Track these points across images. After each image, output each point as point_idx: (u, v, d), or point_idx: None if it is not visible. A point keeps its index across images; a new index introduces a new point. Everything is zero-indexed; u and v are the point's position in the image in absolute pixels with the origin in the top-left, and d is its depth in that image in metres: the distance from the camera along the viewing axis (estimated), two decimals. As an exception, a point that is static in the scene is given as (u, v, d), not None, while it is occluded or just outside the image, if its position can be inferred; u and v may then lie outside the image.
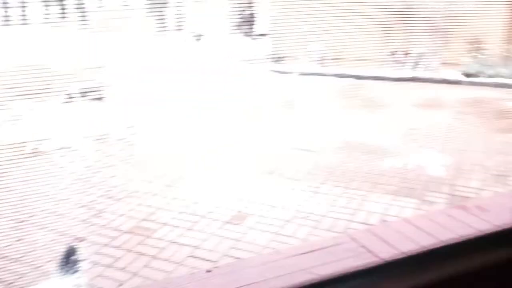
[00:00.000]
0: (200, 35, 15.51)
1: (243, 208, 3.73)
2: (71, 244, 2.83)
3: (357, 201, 3.86)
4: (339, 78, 9.09)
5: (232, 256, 3.04)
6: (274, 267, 2.23)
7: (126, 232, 3.42)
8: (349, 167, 4.62)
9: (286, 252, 3.07)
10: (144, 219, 3.60)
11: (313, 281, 1.59)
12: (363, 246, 2.13)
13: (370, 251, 2.05)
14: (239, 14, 15.98)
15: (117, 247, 3.22)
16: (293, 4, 10.28)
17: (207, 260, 3.00)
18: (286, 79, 9.11)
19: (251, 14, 15.58)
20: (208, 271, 2.39)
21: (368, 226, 3.36)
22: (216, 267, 2.73)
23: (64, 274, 2.51)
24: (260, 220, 3.53)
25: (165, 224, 3.52)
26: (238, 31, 15.83)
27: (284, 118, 6.48)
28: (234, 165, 4.68)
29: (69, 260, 2.64)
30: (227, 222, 3.50)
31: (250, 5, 15.56)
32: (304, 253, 2.41)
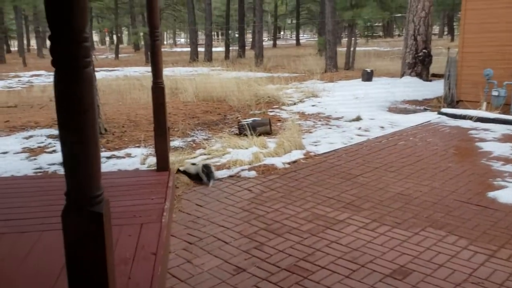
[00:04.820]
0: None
1: (407, 262, 3.45)
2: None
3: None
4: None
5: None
6: None
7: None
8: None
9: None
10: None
11: None
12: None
13: None
14: (415, 54, 15.45)
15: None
16: (482, 42, 9.55)
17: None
18: (460, 124, 8.45)
19: (427, 53, 14.97)
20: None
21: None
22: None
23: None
24: (424, 279, 3.22)
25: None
26: (410, 71, 15.36)
27: (458, 167, 5.96)
28: (403, 213, 4.41)
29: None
30: (388, 276, 3.26)
31: (425, 44, 15.01)
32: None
